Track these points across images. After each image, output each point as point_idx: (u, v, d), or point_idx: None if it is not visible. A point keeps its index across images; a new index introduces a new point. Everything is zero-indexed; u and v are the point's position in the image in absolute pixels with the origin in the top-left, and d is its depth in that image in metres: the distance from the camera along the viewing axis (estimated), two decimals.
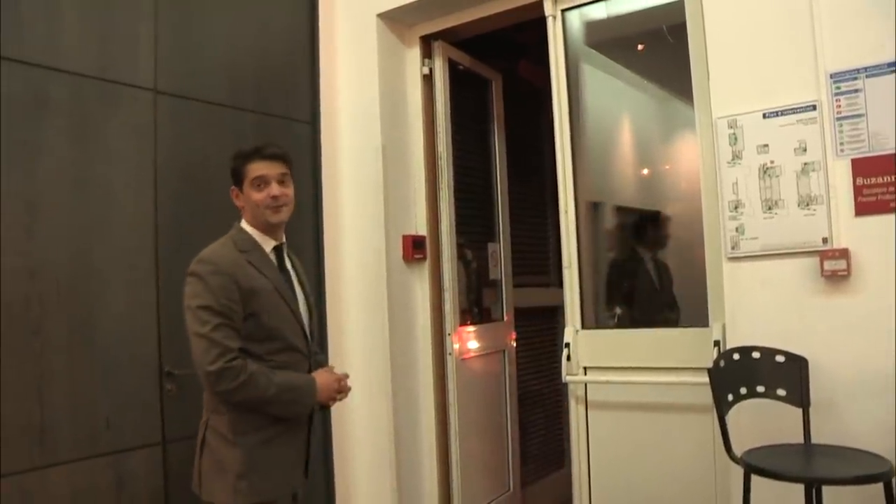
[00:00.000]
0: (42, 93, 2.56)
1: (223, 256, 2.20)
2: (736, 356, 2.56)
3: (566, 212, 3.24)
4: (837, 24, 2.48)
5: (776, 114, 2.60)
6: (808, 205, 2.54)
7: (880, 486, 2.08)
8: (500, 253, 4.21)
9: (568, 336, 3.18)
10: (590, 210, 3.49)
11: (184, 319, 2.17)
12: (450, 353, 3.67)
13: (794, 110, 2.57)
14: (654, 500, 2.98)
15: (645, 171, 3.96)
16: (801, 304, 2.53)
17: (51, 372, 2.51)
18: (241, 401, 2.13)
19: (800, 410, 2.43)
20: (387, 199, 3.56)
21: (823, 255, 2.47)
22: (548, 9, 3.28)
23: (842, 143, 2.49)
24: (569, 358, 3.15)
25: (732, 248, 2.67)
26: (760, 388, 2.52)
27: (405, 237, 3.63)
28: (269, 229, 2.31)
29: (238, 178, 2.30)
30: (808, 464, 2.31)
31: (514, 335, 4.25)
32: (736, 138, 2.67)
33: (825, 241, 2.49)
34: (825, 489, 2.27)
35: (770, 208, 2.61)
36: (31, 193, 2.51)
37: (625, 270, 3.71)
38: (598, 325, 3.36)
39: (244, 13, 3.30)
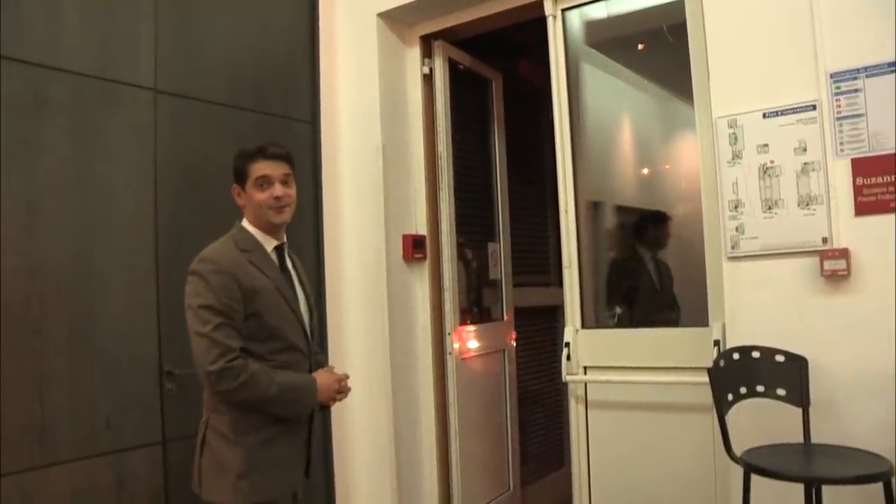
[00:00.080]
0: (42, 92, 2.56)
1: (224, 255, 2.19)
2: (736, 356, 2.56)
3: (566, 211, 3.24)
4: (837, 23, 2.48)
5: (776, 113, 2.60)
6: (807, 204, 2.54)
7: (880, 485, 2.08)
8: (500, 252, 4.21)
9: (568, 335, 3.18)
10: (590, 210, 3.49)
11: (184, 319, 2.16)
12: (450, 353, 3.67)
13: (794, 110, 2.57)
14: (653, 499, 2.98)
15: (645, 171, 3.96)
16: (801, 303, 2.53)
17: (51, 371, 2.51)
18: (241, 400, 2.13)
19: (799, 410, 2.44)
20: (387, 198, 3.56)
21: (823, 255, 2.47)
22: (548, 8, 3.28)
23: (842, 143, 2.49)
24: (569, 357, 3.15)
25: (732, 247, 2.67)
26: (760, 388, 2.52)
27: (405, 237, 3.63)
28: (270, 229, 2.31)
29: (241, 177, 2.29)
30: (807, 463, 2.31)
31: (514, 335, 4.26)
32: (736, 138, 2.67)
33: (825, 240, 2.49)
34: (825, 489, 2.27)
35: (770, 208, 2.61)
36: (32, 193, 2.51)
37: (625, 270, 3.71)
38: (598, 324, 3.36)
39: (244, 13, 3.30)
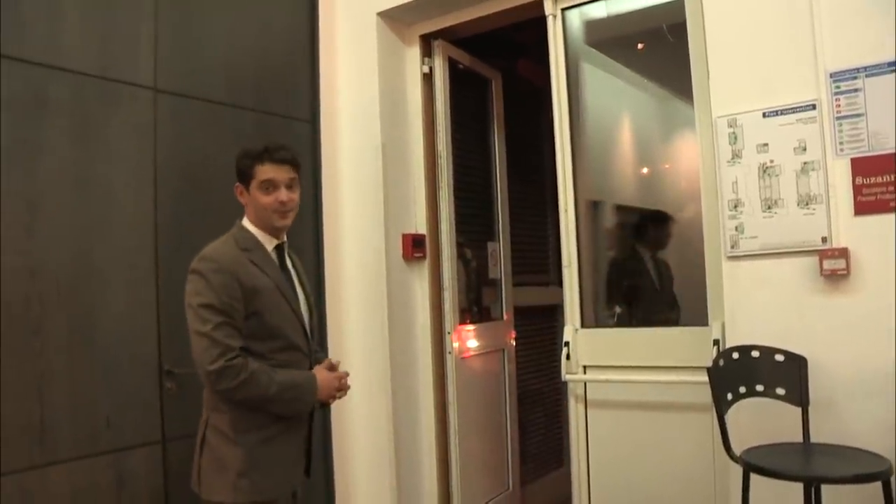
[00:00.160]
0: (42, 92, 2.56)
1: (225, 254, 2.19)
2: (735, 355, 2.56)
3: (566, 211, 3.24)
4: (837, 23, 2.48)
5: (776, 113, 2.60)
6: (807, 204, 2.54)
7: (879, 484, 2.09)
8: (500, 252, 4.21)
9: (567, 335, 3.18)
10: (589, 209, 3.49)
11: (184, 318, 2.16)
12: (449, 352, 3.67)
13: (793, 109, 2.57)
14: (653, 498, 2.98)
15: (645, 171, 3.96)
16: (801, 303, 2.53)
17: (51, 371, 2.51)
18: (242, 399, 2.13)
19: (799, 409, 2.44)
20: (387, 197, 3.56)
21: (823, 255, 2.48)
22: (548, 8, 3.28)
23: (841, 143, 2.49)
24: (568, 357, 3.15)
25: (732, 247, 2.67)
26: (760, 387, 2.53)
27: (405, 236, 3.63)
28: (271, 230, 2.31)
29: (245, 178, 2.27)
30: (807, 463, 2.31)
31: (513, 334, 4.26)
32: (736, 137, 2.68)
33: (824, 240, 2.50)
34: (824, 488, 2.27)
35: (769, 207, 2.61)
36: (32, 192, 2.51)
37: (625, 269, 3.71)
38: (598, 324, 3.36)
39: (244, 12, 3.30)
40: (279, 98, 3.42)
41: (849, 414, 2.42)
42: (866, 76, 2.45)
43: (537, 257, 4.87)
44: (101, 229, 2.70)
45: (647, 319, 3.76)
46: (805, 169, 2.54)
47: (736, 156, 2.67)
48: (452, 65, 3.85)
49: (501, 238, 4.21)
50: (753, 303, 2.63)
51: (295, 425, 2.28)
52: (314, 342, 2.41)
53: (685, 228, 3.42)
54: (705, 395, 2.50)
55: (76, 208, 2.63)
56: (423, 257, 3.70)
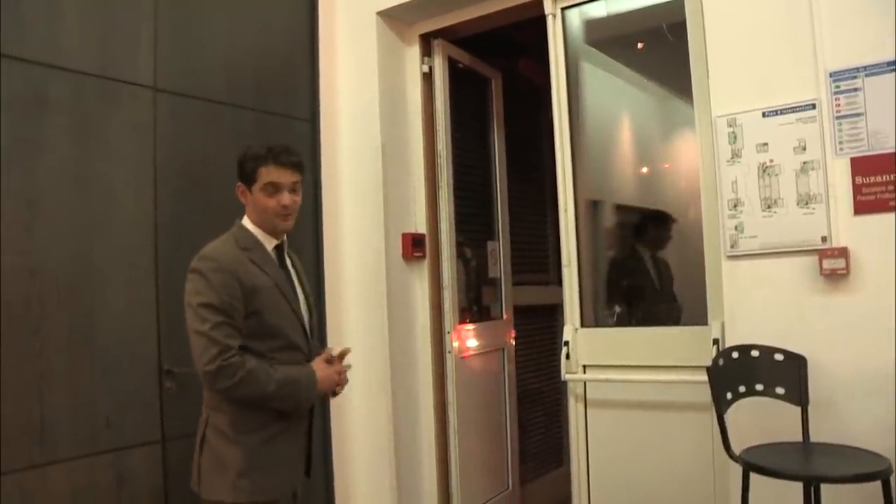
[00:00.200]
0: (42, 91, 2.56)
1: (225, 253, 2.19)
2: (735, 354, 2.56)
3: (566, 210, 3.24)
4: (837, 22, 2.48)
5: (775, 112, 2.60)
6: (807, 203, 2.54)
7: (878, 484, 2.09)
8: (500, 251, 4.21)
9: (567, 334, 3.18)
10: (589, 208, 3.49)
11: (184, 318, 2.16)
12: (449, 352, 3.67)
13: (793, 109, 2.57)
14: (653, 498, 2.99)
15: (644, 170, 3.96)
16: (800, 302, 2.53)
17: (51, 371, 2.51)
18: (241, 397, 2.13)
19: (798, 409, 2.44)
20: (386, 197, 3.56)
21: (822, 254, 2.48)
22: (547, 7, 3.28)
23: (841, 142, 2.49)
24: (568, 356, 3.15)
25: (731, 246, 2.67)
26: (759, 387, 2.53)
27: (405, 235, 3.63)
28: (272, 230, 2.31)
29: (248, 179, 2.26)
30: (806, 462, 2.31)
31: (513, 333, 4.26)
32: (735, 137, 2.68)
33: (824, 239, 2.50)
34: (824, 487, 2.27)
35: (769, 207, 2.61)
36: (32, 192, 2.51)
37: (625, 269, 3.71)
38: (598, 323, 3.36)
39: (244, 11, 3.30)
40: (279, 97, 3.42)
41: (848, 413, 2.42)
42: (866, 75, 2.45)
43: (537, 256, 4.88)
44: (101, 229, 2.70)
45: (647, 319, 3.76)
46: (805, 168, 2.54)
47: (735, 155, 2.68)
48: (452, 64, 3.85)
49: (501, 237, 4.21)
50: (753, 302, 2.63)
51: (295, 425, 2.28)
52: (314, 341, 2.41)
53: (685, 228, 3.42)
54: (705, 395, 2.50)
55: (76, 207, 2.63)
56: (423, 257, 3.70)
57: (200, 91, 3.06)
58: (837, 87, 2.49)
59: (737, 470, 2.33)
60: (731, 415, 2.46)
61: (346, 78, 3.70)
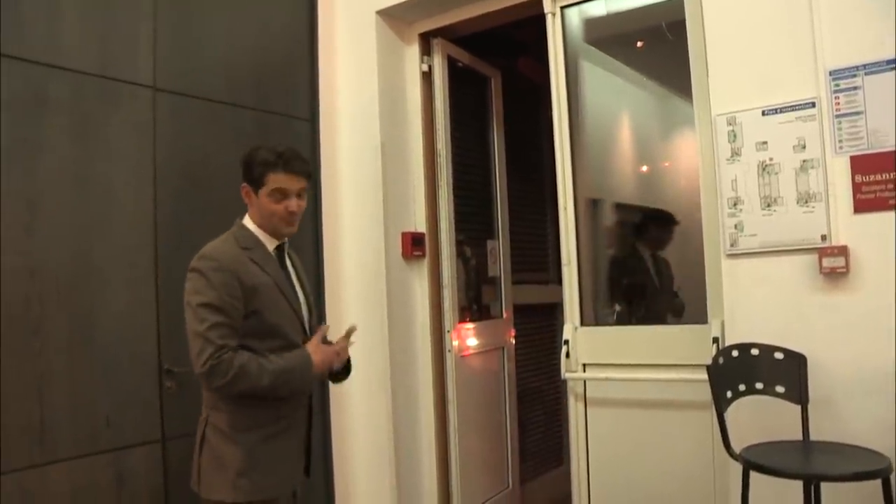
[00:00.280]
0: (42, 91, 2.56)
1: (225, 253, 2.19)
2: (735, 353, 2.56)
3: (565, 209, 3.24)
4: (837, 20, 2.48)
5: (775, 111, 2.60)
6: (806, 202, 2.54)
7: (878, 482, 2.09)
8: (500, 250, 4.21)
9: (567, 333, 3.18)
10: (589, 207, 3.49)
11: (184, 317, 2.16)
12: (449, 351, 3.67)
13: (793, 107, 2.57)
14: (653, 496, 2.99)
15: (644, 169, 3.96)
16: (800, 301, 2.53)
17: (51, 370, 2.51)
18: (239, 393, 2.12)
19: (798, 407, 2.44)
20: (386, 196, 3.56)
21: (822, 253, 2.48)
22: (547, 6, 3.28)
23: (841, 141, 2.49)
24: (568, 355, 3.15)
25: (731, 245, 2.67)
26: (759, 385, 2.53)
27: (404, 234, 3.63)
28: (275, 232, 2.30)
29: (255, 182, 2.24)
30: (806, 460, 2.32)
31: (513, 332, 4.26)
32: (735, 135, 2.68)
33: (824, 238, 2.50)
34: (824, 486, 2.27)
35: (769, 205, 2.61)
36: (32, 192, 2.51)
37: (625, 267, 3.71)
38: (598, 322, 3.36)
39: (244, 11, 3.30)
40: (279, 97, 3.42)
41: (848, 412, 2.42)
42: (865, 74, 2.44)
43: (537, 255, 4.88)
44: (101, 228, 2.70)
45: (647, 317, 3.76)
46: (804, 167, 2.54)
47: (735, 154, 2.67)
48: (452, 63, 3.85)
49: (501, 236, 4.21)
50: (753, 301, 2.63)
51: (294, 424, 2.28)
52: None
53: (684, 226, 3.42)
54: (705, 393, 2.50)
55: (76, 207, 2.63)
56: (423, 256, 3.70)
57: (200, 91, 3.06)
58: (837, 85, 2.49)
59: (737, 468, 2.33)
60: (731, 413, 2.46)
61: (346, 77, 3.70)
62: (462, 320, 3.82)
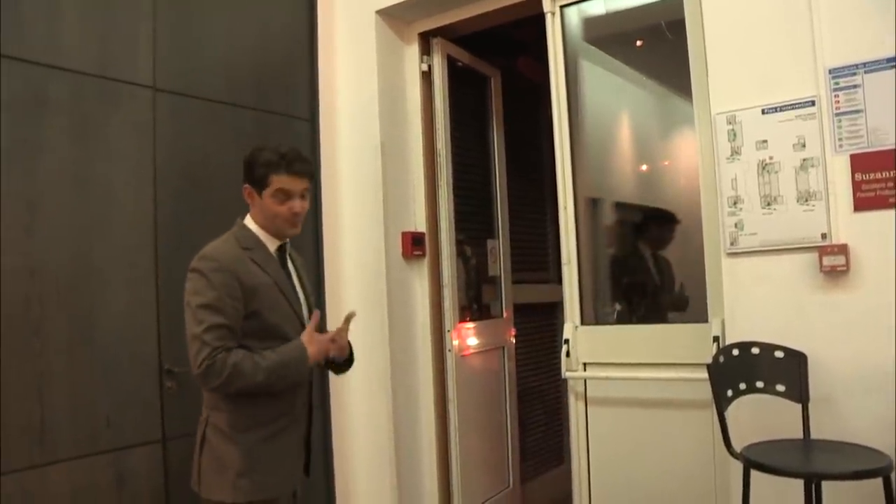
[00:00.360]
0: (42, 91, 2.56)
1: (225, 253, 2.19)
2: (735, 352, 2.56)
3: (565, 208, 3.24)
4: (836, 19, 2.48)
5: (775, 109, 2.60)
6: (806, 200, 2.54)
7: (879, 480, 2.09)
8: (500, 249, 4.21)
9: (567, 332, 3.18)
10: (589, 206, 3.49)
11: (184, 317, 2.16)
12: (449, 350, 3.68)
13: (792, 106, 2.57)
14: (653, 495, 2.99)
15: (644, 168, 3.96)
16: (800, 299, 2.53)
17: (51, 371, 2.51)
18: (237, 391, 2.11)
19: (799, 406, 2.44)
20: (386, 196, 3.56)
21: (822, 251, 2.48)
22: (546, 5, 3.28)
23: (840, 139, 2.49)
24: (568, 354, 3.15)
25: (731, 243, 2.67)
26: (760, 384, 2.53)
27: (404, 234, 3.63)
28: (277, 233, 2.30)
29: (258, 183, 2.23)
30: (807, 459, 2.31)
31: (513, 332, 4.26)
32: (735, 134, 2.68)
33: (824, 236, 2.50)
34: (824, 484, 2.27)
35: (769, 204, 2.61)
36: (32, 192, 2.51)
37: (625, 266, 3.70)
38: (598, 321, 3.36)
39: (243, 11, 3.30)
40: (278, 97, 3.42)
41: (849, 410, 2.42)
42: (865, 72, 2.44)
43: (537, 255, 4.88)
44: (101, 229, 2.70)
45: (647, 316, 3.76)
46: (804, 165, 2.54)
47: (735, 152, 2.67)
48: (451, 63, 3.85)
49: (501, 235, 4.21)
50: (753, 299, 2.63)
51: (294, 424, 2.28)
52: None
53: (685, 225, 3.41)
54: (705, 392, 2.50)
55: (76, 208, 2.63)
56: (423, 255, 3.70)
57: (200, 91, 3.06)
58: (837, 83, 2.49)
59: (737, 467, 2.33)
60: (731, 412, 2.46)
61: (346, 77, 3.70)
62: (462, 320, 3.82)
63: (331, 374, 3.24)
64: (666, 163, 3.85)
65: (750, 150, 2.64)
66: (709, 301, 2.83)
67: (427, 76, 3.75)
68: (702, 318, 2.87)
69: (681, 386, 2.89)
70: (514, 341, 4.25)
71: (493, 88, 4.25)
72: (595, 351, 3.16)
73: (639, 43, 3.82)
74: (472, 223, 4.06)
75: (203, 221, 2.64)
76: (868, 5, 2.43)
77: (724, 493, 2.71)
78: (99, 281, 2.67)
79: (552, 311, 4.83)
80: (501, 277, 4.21)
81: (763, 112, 2.62)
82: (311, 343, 2.23)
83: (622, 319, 3.53)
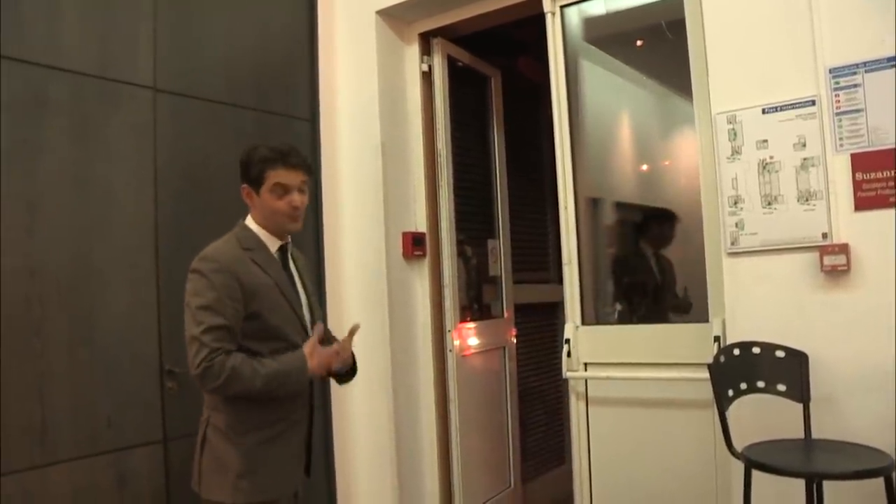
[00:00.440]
0: (42, 92, 2.56)
1: (226, 253, 2.18)
2: (736, 351, 2.56)
3: (566, 208, 3.24)
4: (836, 18, 2.48)
5: (775, 109, 2.60)
6: (807, 200, 2.54)
7: (880, 480, 2.09)
8: (500, 249, 4.21)
9: (568, 332, 3.18)
10: (589, 206, 3.49)
11: (184, 318, 2.16)
12: (450, 350, 3.67)
13: (793, 105, 2.57)
14: (654, 495, 2.98)
15: (644, 167, 3.96)
16: (801, 299, 2.53)
17: (51, 371, 2.51)
18: (234, 395, 2.11)
19: (800, 405, 2.44)
20: (386, 196, 3.56)
21: (823, 251, 2.47)
22: (546, 5, 3.28)
23: (841, 138, 2.49)
24: (569, 354, 3.15)
25: (732, 243, 2.67)
26: (761, 384, 2.53)
27: (405, 234, 3.63)
28: (278, 231, 2.30)
29: (255, 181, 2.23)
30: (808, 459, 2.31)
31: (514, 331, 4.26)
32: (735, 134, 2.67)
33: (825, 236, 2.49)
34: (826, 484, 2.28)
35: (769, 204, 2.61)
36: (32, 193, 2.51)
37: (627, 266, 3.70)
38: (599, 321, 3.36)
39: (243, 11, 3.30)
40: (279, 97, 3.42)
41: (850, 410, 2.42)
42: (866, 71, 2.44)
43: (537, 254, 4.88)
44: (101, 229, 2.70)
45: (648, 316, 3.75)
46: (805, 165, 2.54)
47: (735, 152, 2.67)
48: (452, 63, 3.85)
49: (501, 235, 4.21)
50: (754, 299, 2.63)
51: (295, 425, 2.27)
52: None
53: (685, 225, 3.41)
54: (706, 392, 2.50)
55: (76, 209, 2.63)
56: (424, 255, 3.70)
57: (200, 91, 3.06)
58: (837, 83, 2.49)
59: (739, 467, 2.33)
60: (732, 412, 2.46)
61: (346, 77, 3.70)
62: (463, 320, 3.82)
63: None
64: (666, 162, 3.85)
65: (750, 150, 2.64)
66: (709, 301, 2.82)
67: (427, 76, 3.75)
68: (703, 317, 2.87)
69: (682, 386, 2.89)
70: (514, 341, 4.25)
71: (494, 88, 4.25)
72: (596, 351, 3.16)
73: (639, 43, 3.82)
74: (473, 223, 4.06)
75: (204, 222, 2.64)
76: (868, 5, 2.43)
77: (725, 493, 2.71)
78: (99, 281, 2.67)
79: (553, 311, 4.83)
80: (502, 277, 4.21)
81: (763, 111, 2.62)
82: (312, 356, 2.21)
83: (623, 319, 3.53)
